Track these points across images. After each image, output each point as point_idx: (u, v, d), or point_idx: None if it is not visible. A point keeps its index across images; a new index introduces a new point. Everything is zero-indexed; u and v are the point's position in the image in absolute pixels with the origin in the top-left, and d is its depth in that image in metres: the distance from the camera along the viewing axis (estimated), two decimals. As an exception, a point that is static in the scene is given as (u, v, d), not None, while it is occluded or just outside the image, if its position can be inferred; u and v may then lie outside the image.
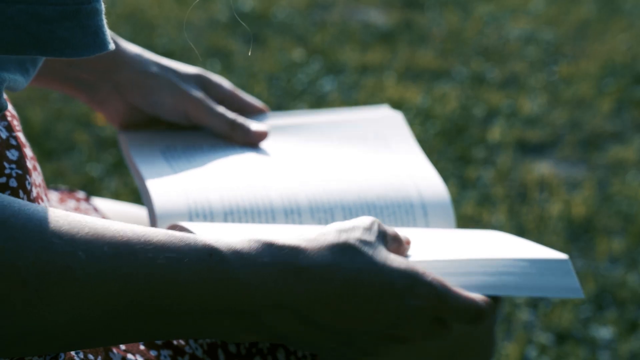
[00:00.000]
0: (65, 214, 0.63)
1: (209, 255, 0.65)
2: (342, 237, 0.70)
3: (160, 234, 0.65)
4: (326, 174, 0.92)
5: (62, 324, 0.62)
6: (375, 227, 0.72)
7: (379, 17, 3.75)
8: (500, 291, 0.77)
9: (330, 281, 0.68)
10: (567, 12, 3.80)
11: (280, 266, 0.67)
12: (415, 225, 0.90)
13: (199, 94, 0.96)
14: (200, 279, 0.64)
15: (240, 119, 0.96)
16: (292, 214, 0.87)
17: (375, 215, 0.88)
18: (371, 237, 0.71)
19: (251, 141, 0.96)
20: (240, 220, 0.86)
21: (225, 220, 0.86)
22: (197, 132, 0.98)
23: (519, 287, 0.78)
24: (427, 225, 0.90)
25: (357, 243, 0.70)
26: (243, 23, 3.57)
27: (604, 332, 1.88)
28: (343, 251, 0.69)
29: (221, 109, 0.97)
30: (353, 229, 0.71)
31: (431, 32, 3.58)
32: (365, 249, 0.70)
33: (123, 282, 0.62)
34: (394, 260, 0.71)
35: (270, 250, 0.67)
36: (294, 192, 0.89)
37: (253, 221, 0.86)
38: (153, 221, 0.86)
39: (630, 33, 3.57)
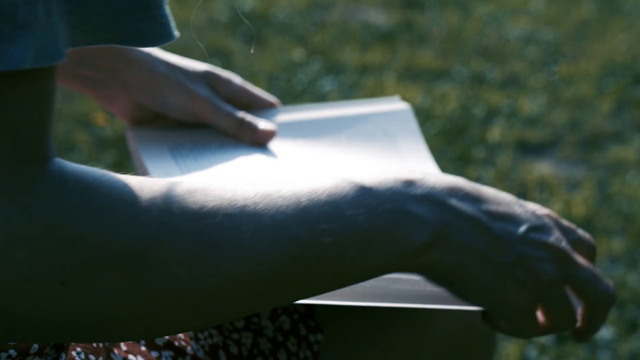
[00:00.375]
0: (211, 183, 0.65)
1: (338, 180, 0.66)
2: None
3: (291, 183, 0.65)
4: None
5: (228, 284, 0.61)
6: None
7: (379, 17, 3.75)
8: None
9: (447, 182, 0.68)
10: (567, 12, 3.80)
11: (398, 174, 0.68)
12: None
13: (206, 92, 0.96)
14: (344, 202, 0.64)
15: (248, 118, 0.96)
16: None
17: None
18: None
19: (258, 140, 0.96)
20: None
21: None
22: (206, 129, 0.98)
23: None
24: None
25: None
26: (247, 21, 3.57)
27: (604, 332, 1.88)
28: None
29: (229, 108, 0.97)
30: None
31: (431, 32, 3.58)
32: None
33: (284, 236, 0.62)
34: None
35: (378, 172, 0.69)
36: None
37: None
38: None
39: (630, 33, 3.57)
